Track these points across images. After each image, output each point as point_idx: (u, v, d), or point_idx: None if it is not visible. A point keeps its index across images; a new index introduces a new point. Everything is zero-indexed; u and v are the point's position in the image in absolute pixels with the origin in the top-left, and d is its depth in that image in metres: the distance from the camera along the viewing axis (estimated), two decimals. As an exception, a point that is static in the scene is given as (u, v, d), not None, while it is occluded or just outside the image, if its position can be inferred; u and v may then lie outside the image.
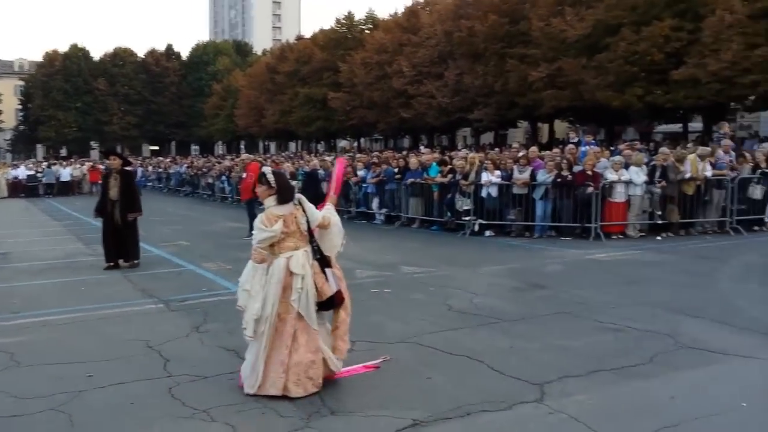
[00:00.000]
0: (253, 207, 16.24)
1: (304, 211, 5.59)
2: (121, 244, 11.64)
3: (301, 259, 5.41)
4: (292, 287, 5.33)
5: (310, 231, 5.60)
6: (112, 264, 11.59)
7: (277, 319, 5.32)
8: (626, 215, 14.05)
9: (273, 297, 5.32)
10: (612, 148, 18.44)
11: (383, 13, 52.74)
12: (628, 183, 13.93)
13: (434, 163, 16.85)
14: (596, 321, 7.28)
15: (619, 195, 13.92)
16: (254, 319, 5.30)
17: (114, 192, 11.46)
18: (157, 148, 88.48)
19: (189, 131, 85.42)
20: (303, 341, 5.34)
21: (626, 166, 14.27)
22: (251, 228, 15.96)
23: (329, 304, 5.57)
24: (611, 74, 29.49)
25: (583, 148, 16.85)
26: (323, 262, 5.59)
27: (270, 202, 5.51)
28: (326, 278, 5.55)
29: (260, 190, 5.55)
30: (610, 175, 14.00)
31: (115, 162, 11.83)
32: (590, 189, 13.61)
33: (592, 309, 7.83)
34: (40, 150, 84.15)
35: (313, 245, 5.59)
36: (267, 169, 5.81)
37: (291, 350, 5.30)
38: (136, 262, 11.77)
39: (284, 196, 5.54)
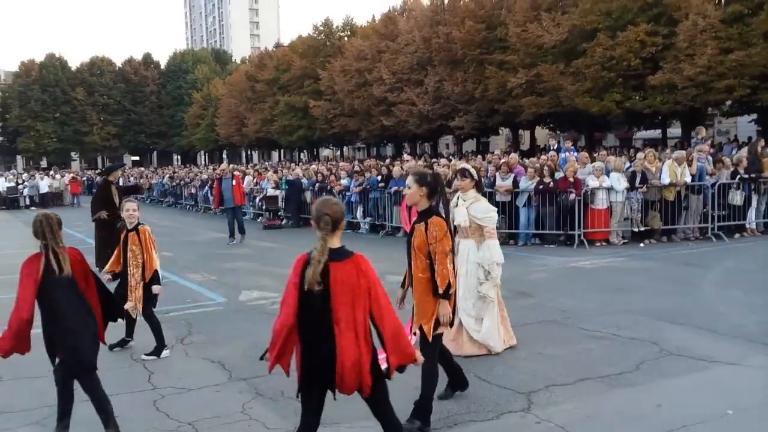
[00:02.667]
0: (238, 214, 16.61)
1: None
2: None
3: None
4: None
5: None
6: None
7: None
8: (609, 222, 14.14)
9: None
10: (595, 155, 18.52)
11: (361, 19, 53.12)
12: (610, 189, 14.02)
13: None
14: (581, 329, 7.31)
15: (600, 202, 13.99)
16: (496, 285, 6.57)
17: (117, 200, 12.38)
18: (137, 158, 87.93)
19: (170, 141, 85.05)
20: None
21: (607, 173, 14.37)
22: (231, 234, 16.44)
23: None
24: (589, 80, 29.78)
25: (563, 155, 16.98)
26: None
27: (472, 192, 6.40)
28: None
29: (464, 182, 6.41)
30: (592, 182, 14.08)
31: (118, 173, 13.27)
32: (572, 195, 13.69)
33: (577, 317, 7.86)
34: (20, 161, 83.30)
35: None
36: (468, 165, 6.97)
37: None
38: None
39: (482, 187, 6.70)
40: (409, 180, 5.08)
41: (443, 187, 5.09)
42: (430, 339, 4.81)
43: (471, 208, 6.32)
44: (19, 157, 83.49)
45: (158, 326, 6.88)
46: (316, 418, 3.85)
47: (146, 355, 6.80)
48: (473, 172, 6.47)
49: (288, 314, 3.67)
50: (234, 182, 17.17)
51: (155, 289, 6.82)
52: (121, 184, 15.91)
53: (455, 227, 6.27)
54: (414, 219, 5.18)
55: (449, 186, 15.21)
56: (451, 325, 5.05)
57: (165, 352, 6.87)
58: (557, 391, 5.47)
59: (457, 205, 6.44)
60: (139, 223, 6.86)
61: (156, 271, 6.78)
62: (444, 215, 4.92)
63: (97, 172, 27.38)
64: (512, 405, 5.23)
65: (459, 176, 6.56)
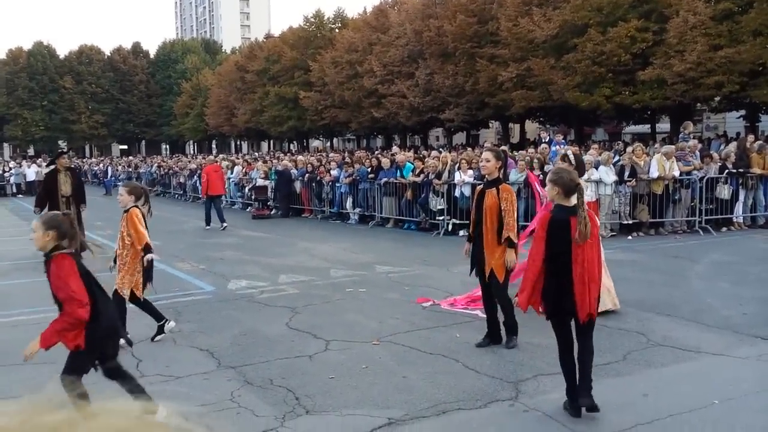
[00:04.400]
0: (210, 204, 17.54)
1: None
2: None
3: None
4: None
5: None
6: None
7: None
8: (597, 214, 14.19)
9: None
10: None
11: (352, 12, 53.35)
12: (598, 182, 14.08)
13: (408, 163, 16.88)
14: (569, 319, 7.35)
15: (589, 195, 14.04)
16: None
17: (67, 188, 12.61)
18: (126, 147, 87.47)
19: (159, 130, 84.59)
20: None
21: (596, 166, 14.42)
22: (207, 221, 17.08)
23: None
24: (579, 75, 29.80)
25: (554, 148, 17.03)
26: None
27: None
28: None
29: (564, 165, 6.99)
30: (581, 175, 14.12)
31: (65, 160, 13.10)
32: (561, 188, 13.73)
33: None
34: (6, 149, 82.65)
35: None
36: (570, 151, 8.08)
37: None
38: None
39: (582, 170, 7.38)
40: (488, 155, 6.47)
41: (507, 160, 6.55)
42: (501, 279, 6.22)
43: None
44: (5, 144, 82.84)
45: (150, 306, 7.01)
46: (570, 335, 4.92)
47: (154, 337, 6.98)
48: (572, 158, 7.47)
49: (538, 263, 4.77)
50: (205, 175, 18.13)
51: (147, 257, 6.76)
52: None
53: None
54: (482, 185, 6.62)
55: (439, 178, 15.35)
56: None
57: (170, 325, 7.08)
58: (545, 381, 5.50)
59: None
60: (132, 206, 6.81)
61: (147, 243, 6.74)
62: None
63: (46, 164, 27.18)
64: (500, 394, 5.26)
65: (560, 160, 7.66)
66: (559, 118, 37.97)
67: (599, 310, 7.29)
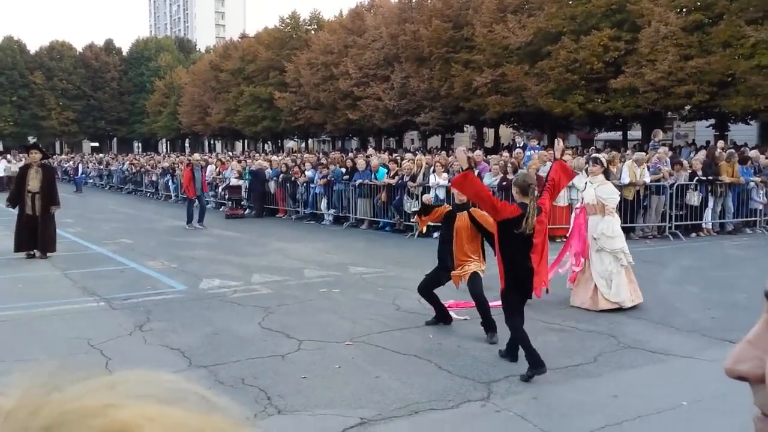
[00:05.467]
0: (192, 204, 17.22)
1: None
2: (36, 235, 11.90)
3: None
4: None
5: None
6: (30, 253, 11.99)
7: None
8: (569, 219, 14.30)
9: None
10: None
11: (328, 14, 53.62)
12: (571, 187, 14.19)
13: (381, 168, 16.89)
14: (541, 322, 7.39)
15: (561, 199, 14.16)
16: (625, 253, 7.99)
17: (35, 184, 11.90)
18: (97, 144, 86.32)
19: (131, 128, 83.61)
20: None
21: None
22: (188, 220, 16.86)
23: None
24: (552, 81, 30.11)
25: (528, 153, 17.16)
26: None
27: (600, 177, 8.00)
28: None
29: (595, 168, 8.01)
30: (554, 180, 14.24)
31: (35, 155, 12.28)
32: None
33: (537, 310, 7.91)
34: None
35: None
36: (600, 155, 8.66)
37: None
38: (50, 254, 12.08)
39: (608, 174, 8.19)
40: None
41: None
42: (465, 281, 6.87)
43: (598, 189, 7.85)
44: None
45: None
46: (523, 312, 5.80)
47: None
48: (603, 160, 8.13)
49: (489, 194, 5.87)
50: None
51: None
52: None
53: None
54: (449, 208, 7.28)
55: (414, 180, 15.38)
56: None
57: None
58: (517, 381, 5.53)
59: (585, 187, 8.10)
60: None
61: None
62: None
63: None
64: (472, 394, 5.27)
65: (591, 163, 8.25)
66: (533, 123, 38.30)
67: (634, 303, 7.98)
